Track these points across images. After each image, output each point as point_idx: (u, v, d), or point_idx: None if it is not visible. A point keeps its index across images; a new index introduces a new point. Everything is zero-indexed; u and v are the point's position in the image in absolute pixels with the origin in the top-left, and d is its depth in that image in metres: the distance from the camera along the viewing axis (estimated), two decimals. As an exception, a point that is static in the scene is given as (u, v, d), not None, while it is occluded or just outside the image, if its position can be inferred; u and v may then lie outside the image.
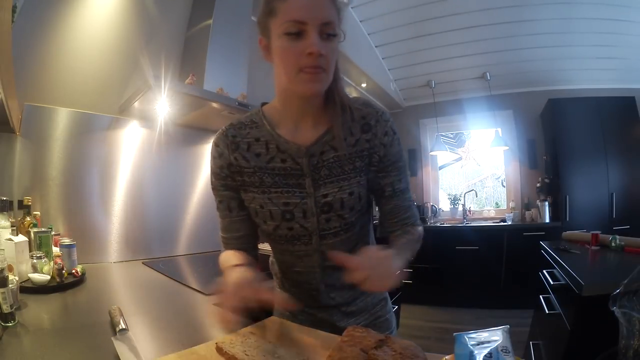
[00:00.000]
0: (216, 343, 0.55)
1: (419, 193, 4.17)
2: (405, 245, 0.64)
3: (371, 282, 0.51)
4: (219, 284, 0.56)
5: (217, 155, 0.67)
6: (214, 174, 0.68)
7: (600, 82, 3.39)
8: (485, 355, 0.36)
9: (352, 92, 3.54)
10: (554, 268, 1.47)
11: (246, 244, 0.71)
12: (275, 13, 0.56)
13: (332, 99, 0.63)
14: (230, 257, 0.65)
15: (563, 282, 1.29)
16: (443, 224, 3.82)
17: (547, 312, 1.43)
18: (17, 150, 1.26)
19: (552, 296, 1.49)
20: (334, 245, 0.66)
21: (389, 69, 3.77)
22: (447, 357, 0.42)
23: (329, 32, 0.55)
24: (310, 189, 0.63)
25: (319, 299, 0.71)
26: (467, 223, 3.68)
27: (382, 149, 0.65)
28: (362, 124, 0.65)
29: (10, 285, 0.69)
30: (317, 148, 0.63)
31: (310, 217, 0.64)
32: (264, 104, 0.72)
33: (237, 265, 0.61)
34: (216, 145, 0.67)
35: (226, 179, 0.67)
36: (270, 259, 0.82)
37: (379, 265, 0.53)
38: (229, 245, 0.71)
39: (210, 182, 0.70)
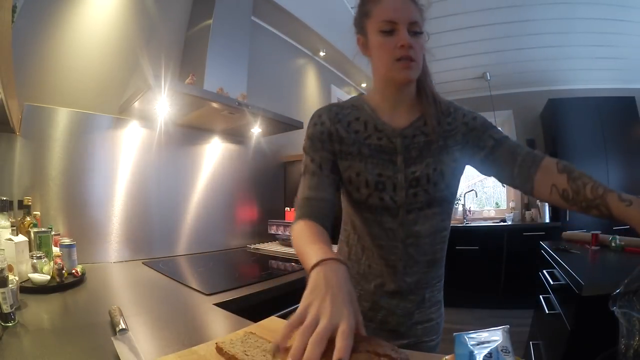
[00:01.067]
0: (216, 343, 0.55)
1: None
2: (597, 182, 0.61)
3: None
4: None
5: (319, 122, 0.74)
6: (313, 136, 0.73)
7: (600, 82, 3.39)
8: (485, 355, 0.36)
9: (351, 92, 3.53)
10: (554, 268, 1.47)
11: (327, 210, 0.68)
12: (370, 14, 0.68)
13: (423, 90, 0.74)
14: (311, 233, 0.61)
15: (563, 282, 1.29)
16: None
17: (547, 312, 1.43)
18: (17, 150, 1.25)
19: (552, 296, 1.49)
20: (417, 220, 0.71)
21: (389, 69, 3.76)
22: (447, 357, 0.42)
23: (415, 30, 0.66)
24: (401, 166, 0.71)
25: (395, 278, 0.74)
26: (467, 223, 3.68)
27: (464, 127, 0.73)
28: (444, 110, 0.74)
29: (10, 285, 0.69)
30: (410, 131, 0.72)
31: (399, 191, 0.70)
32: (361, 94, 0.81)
33: (321, 245, 0.56)
34: (319, 115, 0.75)
35: (324, 142, 0.73)
36: (343, 238, 0.83)
37: None
38: (310, 207, 0.67)
39: (304, 147, 0.75)
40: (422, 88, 0.74)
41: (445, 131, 0.72)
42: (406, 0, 0.66)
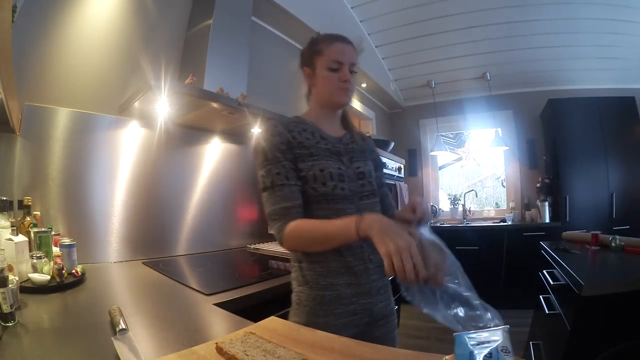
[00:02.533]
0: (216, 343, 0.55)
1: (419, 193, 4.17)
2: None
3: None
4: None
5: (276, 134, 0.82)
6: (273, 147, 0.81)
7: (600, 82, 3.39)
8: (485, 355, 0.36)
9: (352, 92, 3.53)
10: (554, 268, 1.47)
11: (302, 212, 0.81)
12: (321, 53, 0.86)
13: (347, 116, 0.98)
14: (316, 220, 0.78)
15: (563, 282, 1.29)
16: (443, 224, 3.82)
17: (547, 312, 1.43)
18: (17, 150, 1.25)
19: (552, 296, 1.49)
20: (368, 205, 0.86)
21: (389, 69, 3.77)
22: (447, 357, 0.42)
23: (353, 69, 0.87)
24: (348, 163, 0.88)
25: (364, 257, 0.83)
26: (467, 223, 3.68)
27: (373, 154, 1.01)
28: (362, 135, 1.01)
29: (10, 285, 0.69)
30: (345, 139, 0.93)
31: (352, 182, 0.85)
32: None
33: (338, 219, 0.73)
34: (274, 126, 0.85)
35: (285, 152, 0.81)
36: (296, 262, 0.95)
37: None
38: (291, 215, 0.78)
39: (261, 161, 0.83)
40: (347, 114, 0.98)
41: (365, 149, 0.96)
42: (350, 47, 0.86)
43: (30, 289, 0.91)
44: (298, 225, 0.76)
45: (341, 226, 0.70)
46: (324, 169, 0.82)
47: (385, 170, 2.54)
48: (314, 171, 0.81)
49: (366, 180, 0.88)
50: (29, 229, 1.09)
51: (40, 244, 1.05)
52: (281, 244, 0.80)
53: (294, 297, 0.90)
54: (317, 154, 0.84)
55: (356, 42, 0.89)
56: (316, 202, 0.82)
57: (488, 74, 3.58)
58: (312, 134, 0.87)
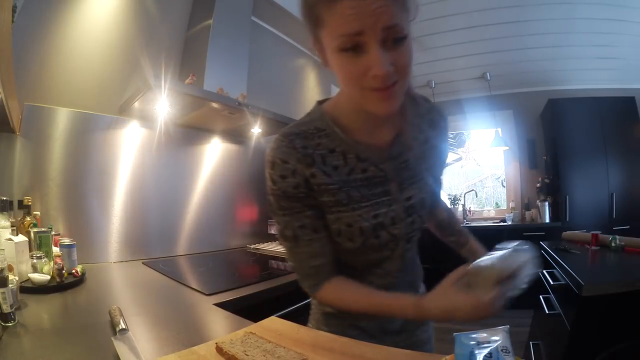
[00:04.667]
0: (216, 343, 0.55)
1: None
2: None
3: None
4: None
5: (288, 174, 0.55)
6: (287, 196, 0.56)
7: (600, 82, 3.39)
8: (485, 355, 0.36)
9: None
10: (554, 268, 1.47)
11: (335, 266, 0.61)
12: (323, 23, 0.46)
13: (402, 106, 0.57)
14: (363, 290, 0.59)
15: (563, 282, 1.29)
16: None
17: (547, 312, 1.43)
18: (17, 150, 1.25)
19: (552, 296, 1.49)
20: (412, 247, 0.66)
21: (389, 69, 3.77)
22: (447, 357, 0.42)
23: (396, 36, 0.44)
24: (396, 194, 0.59)
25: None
26: (467, 223, 3.68)
27: (440, 146, 0.66)
28: (428, 120, 0.63)
29: (10, 285, 0.69)
30: (397, 150, 0.59)
31: (398, 223, 0.60)
32: (321, 102, 0.61)
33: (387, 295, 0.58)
34: (284, 161, 0.55)
35: (306, 199, 0.57)
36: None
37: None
38: (324, 274, 0.60)
39: (275, 207, 0.58)
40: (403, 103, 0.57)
41: (432, 147, 0.64)
42: (385, 2, 0.42)
43: (30, 289, 0.91)
44: (336, 294, 0.60)
45: (392, 308, 0.56)
46: (353, 223, 0.57)
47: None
48: (339, 225, 0.58)
49: (417, 215, 0.61)
50: (29, 229, 1.09)
51: (40, 244, 1.05)
52: (313, 297, 0.65)
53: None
54: (349, 200, 0.57)
55: None
56: (344, 256, 0.62)
57: (488, 74, 3.58)
58: (344, 157, 0.56)
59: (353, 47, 0.44)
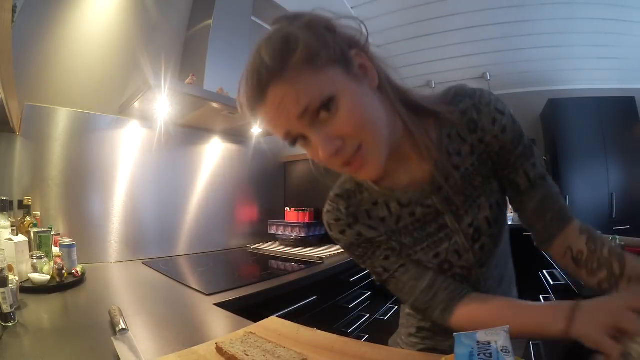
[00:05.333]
0: (216, 343, 0.55)
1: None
2: (630, 258, 0.48)
3: None
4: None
5: (345, 228, 0.57)
6: (356, 245, 0.57)
7: (600, 82, 3.39)
8: (485, 355, 0.36)
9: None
10: (554, 268, 1.47)
11: (451, 282, 0.55)
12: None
13: (412, 123, 0.50)
14: (504, 305, 0.50)
15: (563, 282, 1.29)
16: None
17: None
18: (17, 150, 1.25)
19: (552, 296, 1.49)
20: (490, 267, 0.59)
21: (388, 69, 3.77)
22: (447, 357, 0.42)
23: (317, 112, 0.41)
24: (454, 225, 0.55)
25: None
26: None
27: (496, 142, 0.52)
28: (466, 123, 0.52)
29: (10, 285, 0.69)
30: (439, 179, 0.52)
31: (464, 254, 0.55)
32: None
33: (523, 304, 0.48)
34: (337, 220, 0.57)
35: (371, 241, 0.56)
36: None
37: None
38: (441, 296, 0.54)
39: (354, 258, 0.59)
40: (408, 120, 0.50)
41: (482, 153, 0.53)
42: (277, 91, 0.40)
43: (30, 289, 0.91)
44: (471, 316, 0.51)
45: (538, 324, 0.44)
46: (409, 269, 0.55)
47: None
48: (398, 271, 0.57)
49: (485, 238, 0.55)
50: (29, 229, 1.09)
51: (40, 244, 1.05)
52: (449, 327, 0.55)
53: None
54: (402, 246, 0.56)
55: (277, 54, 0.40)
56: None
57: (488, 74, 3.58)
58: (387, 207, 0.55)
59: (299, 139, 0.44)
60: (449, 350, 0.53)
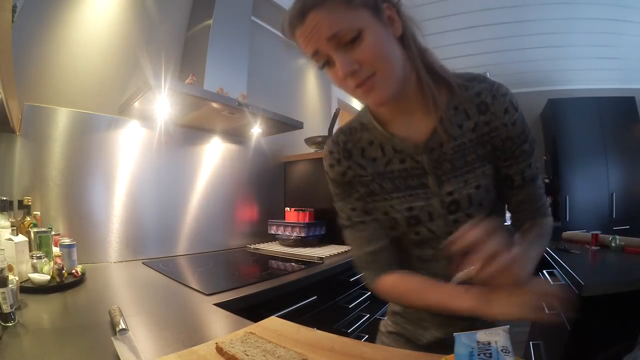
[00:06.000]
0: (216, 343, 0.55)
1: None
2: (534, 241, 0.55)
3: (492, 271, 0.42)
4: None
5: (334, 163, 0.63)
6: (337, 182, 0.64)
7: (600, 82, 3.39)
8: (485, 355, 0.36)
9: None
10: (554, 268, 1.47)
11: (395, 254, 0.62)
12: (302, 50, 0.53)
13: (430, 94, 0.54)
14: (423, 281, 0.57)
15: (563, 282, 1.29)
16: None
17: (547, 312, 1.43)
18: (17, 150, 1.25)
19: (552, 296, 1.48)
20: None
21: (389, 69, 3.77)
22: (447, 357, 0.42)
23: (345, 40, 0.48)
24: (434, 188, 0.58)
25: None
26: (467, 223, 3.67)
27: (503, 131, 0.56)
28: (477, 103, 0.56)
29: (10, 285, 0.69)
30: (435, 140, 0.56)
31: (437, 219, 0.58)
32: None
33: (442, 286, 0.53)
34: (330, 152, 0.64)
35: (353, 183, 0.63)
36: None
37: (506, 255, 0.43)
38: (380, 263, 0.61)
39: (333, 193, 0.64)
40: (428, 90, 0.54)
41: (483, 134, 0.56)
42: (314, 17, 0.47)
43: (30, 289, 0.91)
44: (392, 287, 0.60)
45: (448, 299, 0.51)
46: (388, 212, 0.60)
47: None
48: (377, 214, 0.62)
49: (462, 214, 0.57)
50: (29, 229, 1.08)
51: (40, 244, 1.05)
52: (373, 291, 0.65)
53: None
54: (382, 190, 0.60)
55: None
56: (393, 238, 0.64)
57: (488, 73, 3.57)
58: (382, 149, 0.60)
59: (326, 62, 0.51)
60: (416, 337, 0.63)
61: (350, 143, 0.62)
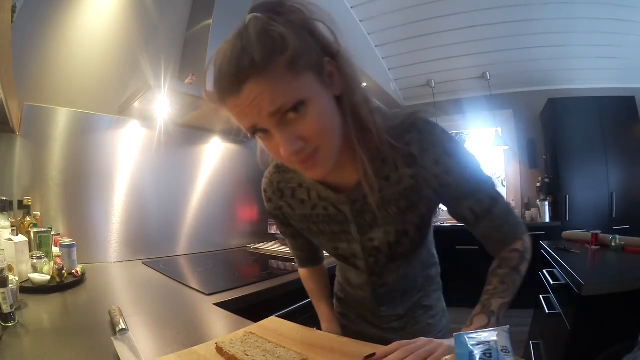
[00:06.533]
0: (216, 343, 0.55)
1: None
2: (499, 293, 0.53)
3: None
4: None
5: (267, 200, 0.71)
6: (271, 214, 0.74)
7: (600, 82, 3.39)
8: (485, 355, 0.36)
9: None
10: (554, 268, 1.47)
11: (317, 254, 0.81)
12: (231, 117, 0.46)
13: (359, 153, 0.52)
14: (315, 289, 0.81)
15: (563, 281, 1.29)
16: (443, 223, 3.81)
17: (547, 312, 1.43)
18: (17, 150, 1.25)
19: (552, 296, 1.49)
20: (383, 274, 0.67)
21: (389, 69, 3.76)
22: (447, 357, 0.42)
23: (287, 112, 0.42)
24: (356, 235, 0.61)
25: (373, 310, 0.74)
26: (467, 223, 3.67)
27: (435, 182, 0.54)
28: (406, 156, 0.54)
29: (10, 285, 0.69)
30: (359, 192, 0.57)
31: (359, 260, 0.65)
32: None
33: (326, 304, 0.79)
34: (265, 191, 0.71)
35: (281, 218, 0.72)
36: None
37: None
38: (303, 261, 0.81)
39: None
40: (355, 134, 0.51)
41: (409, 187, 0.55)
42: (252, 89, 0.40)
43: (30, 289, 0.91)
44: (303, 278, 0.83)
45: (321, 316, 0.78)
46: (319, 243, 0.69)
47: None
48: (310, 241, 0.73)
49: (382, 255, 0.61)
50: (29, 229, 1.09)
51: (40, 244, 1.05)
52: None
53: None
54: (310, 230, 0.66)
55: (259, 51, 0.39)
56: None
57: (488, 73, 3.57)
58: (308, 193, 0.62)
59: (261, 131, 0.44)
60: (352, 318, 0.79)
61: (282, 183, 0.66)
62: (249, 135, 0.46)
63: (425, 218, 0.60)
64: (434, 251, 0.78)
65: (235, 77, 0.40)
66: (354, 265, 0.67)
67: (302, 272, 0.83)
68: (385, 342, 0.54)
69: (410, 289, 0.72)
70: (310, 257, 0.80)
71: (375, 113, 0.52)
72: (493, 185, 0.58)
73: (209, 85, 0.44)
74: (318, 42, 0.45)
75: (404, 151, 0.54)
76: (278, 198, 0.68)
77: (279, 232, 1.98)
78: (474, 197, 0.55)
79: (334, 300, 0.86)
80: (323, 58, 0.45)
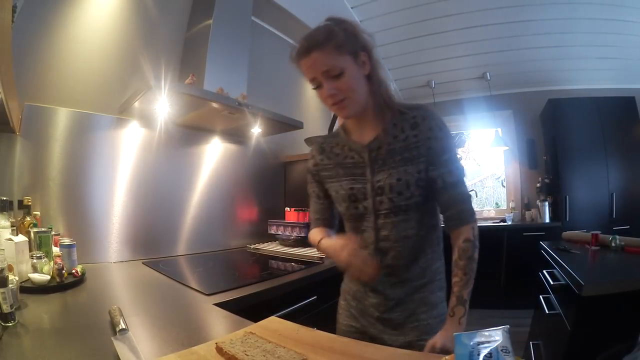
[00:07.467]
0: (216, 343, 0.55)
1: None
2: (466, 281, 0.73)
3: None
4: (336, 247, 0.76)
5: (310, 157, 0.93)
6: (308, 171, 0.94)
7: (600, 82, 3.39)
8: (485, 355, 0.36)
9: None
10: (554, 268, 1.47)
11: (329, 222, 0.94)
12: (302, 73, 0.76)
13: (380, 112, 0.81)
14: (318, 234, 0.89)
15: (563, 282, 1.29)
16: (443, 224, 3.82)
17: (547, 312, 1.43)
18: (17, 150, 1.25)
19: (552, 296, 1.49)
20: (385, 225, 0.79)
21: (389, 69, 3.76)
22: (447, 357, 0.42)
23: (332, 74, 0.72)
24: (369, 176, 0.80)
25: (375, 274, 0.81)
26: (467, 223, 3.67)
27: (427, 142, 0.76)
28: (411, 123, 0.78)
29: (10, 285, 0.69)
30: (375, 144, 0.80)
31: (368, 199, 0.80)
32: None
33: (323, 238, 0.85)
34: (311, 153, 0.93)
35: (315, 174, 0.91)
36: None
37: None
38: (316, 223, 0.94)
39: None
40: (381, 109, 0.81)
41: (410, 143, 0.77)
42: (315, 56, 0.71)
43: (30, 289, 0.91)
44: (312, 236, 0.92)
45: (328, 252, 0.82)
46: (338, 190, 0.84)
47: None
48: (332, 193, 0.87)
49: (385, 197, 0.77)
50: (29, 229, 1.09)
51: (40, 244, 1.05)
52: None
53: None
54: (337, 175, 0.85)
55: (322, 38, 0.71)
56: (344, 219, 0.89)
57: (488, 74, 3.58)
58: (342, 147, 0.86)
59: (318, 85, 0.75)
60: (355, 315, 0.88)
61: (325, 144, 0.91)
62: (313, 86, 0.76)
63: (422, 175, 0.77)
64: (440, 248, 0.88)
65: (307, 48, 0.72)
66: (363, 209, 0.80)
67: (313, 232, 0.93)
68: (386, 342, 0.71)
69: (411, 263, 0.81)
70: (324, 223, 0.93)
71: (390, 90, 0.81)
72: (463, 172, 0.79)
73: (294, 52, 0.75)
74: (359, 42, 0.75)
75: (410, 120, 0.78)
76: (319, 153, 0.89)
77: (279, 232, 1.99)
78: (447, 168, 0.76)
79: (340, 301, 0.96)
80: (360, 51, 0.75)
